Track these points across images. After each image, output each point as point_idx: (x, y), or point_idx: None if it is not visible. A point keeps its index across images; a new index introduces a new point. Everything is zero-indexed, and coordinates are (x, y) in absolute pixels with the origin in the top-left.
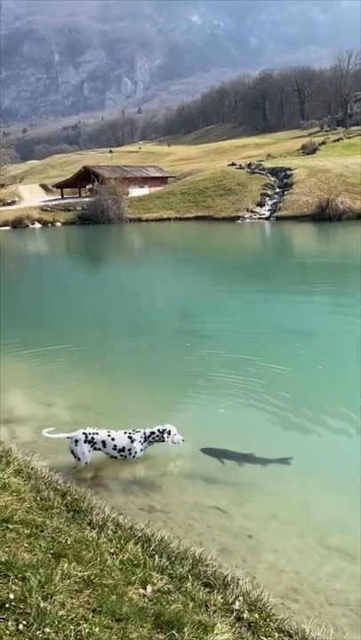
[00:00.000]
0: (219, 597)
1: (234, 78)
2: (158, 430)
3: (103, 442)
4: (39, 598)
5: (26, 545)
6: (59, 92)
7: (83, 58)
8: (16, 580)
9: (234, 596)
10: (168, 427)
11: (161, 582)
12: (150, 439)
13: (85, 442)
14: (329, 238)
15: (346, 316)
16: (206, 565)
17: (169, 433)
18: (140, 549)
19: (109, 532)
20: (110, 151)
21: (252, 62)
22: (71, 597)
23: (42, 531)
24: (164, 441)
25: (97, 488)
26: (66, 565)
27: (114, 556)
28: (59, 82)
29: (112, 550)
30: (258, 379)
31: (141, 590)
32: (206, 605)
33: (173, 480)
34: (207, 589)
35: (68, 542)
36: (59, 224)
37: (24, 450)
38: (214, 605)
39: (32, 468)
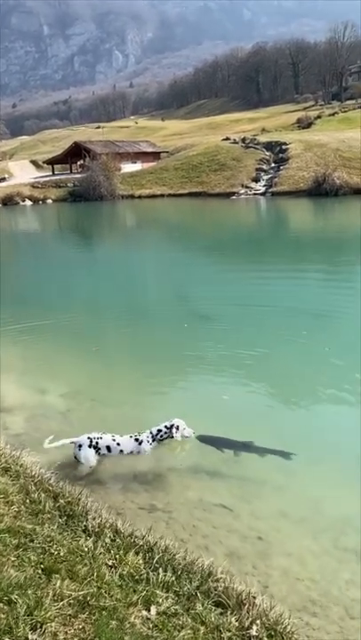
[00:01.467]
0: (233, 620)
1: (227, 51)
2: (165, 427)
3: (108, 447)
4: (27, 629)
5: (13, 559)
6: (48, 65)
7: (72, 30)
8: (1, 605)
9: (250, 619)
10: (175, 421)
11: (167, 602)
12: (158, 437)
13: (90, 447)
14: (327, 214)
15: (349, 295)
16: (217, 580)
17: (177, 428)
18: (141, 561)
19: (107, 540)
20: (98, 126)
21: (245, 35)
22: (64, 625)
23: (31, 540)
24: (173, 437)
25: (92, 486)
26: (58, 583)
27: (112, 570)
28: (48, 55)
29: (110, 562)
30: (261, 361)
31: (145, 612)
32: (219, 631)
33: (174, 475)
34: (219, 610)
35: (61, 554)
36: (50, 201)
37: (13, 443)
38: (228, 631)
39: (21, 466)
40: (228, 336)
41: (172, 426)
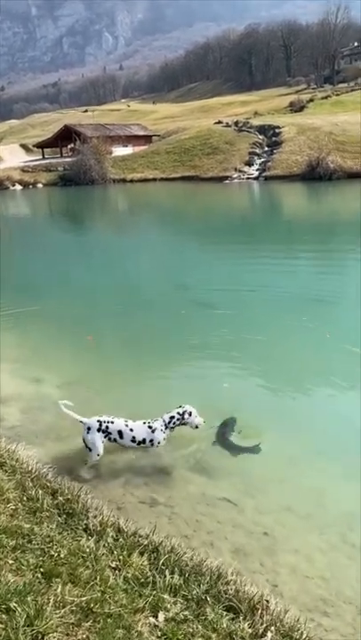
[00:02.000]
0: (246, 626)
1: (218, 33)
2: (178, 413)
3: (120, 432)
4: None
5: (11, 562)
6: (37, 47)
7: (61, 12)
8: None
9: (264, 625)
10: (188, 407)
11: (175, 607)
12: (171, 425)
13: (99, 430)
14: (321, 198)
15: (346, 279)
16: (227, 583)
17: (190, 414)
18: (146, 562)
19: (109, 539)
20: (86, 110)
21: (237, 16)
22: (67, 634)
23: (30, 541)
24: (185, 424)
25: (92, 481)
26: (60, 588)
27: (116, 572)
28: (37, 36)
29: (114, 564)
30: (261, 348)
31: (152, 619)
32: (232, 638)
33: (175, 469)
34: (231, 615)
35: (62, 556)
36: (40, 185)
37: (8, 436)
38: (242, 638)
39: (17, 460)
40: (226, 322)
41: (184, 412)
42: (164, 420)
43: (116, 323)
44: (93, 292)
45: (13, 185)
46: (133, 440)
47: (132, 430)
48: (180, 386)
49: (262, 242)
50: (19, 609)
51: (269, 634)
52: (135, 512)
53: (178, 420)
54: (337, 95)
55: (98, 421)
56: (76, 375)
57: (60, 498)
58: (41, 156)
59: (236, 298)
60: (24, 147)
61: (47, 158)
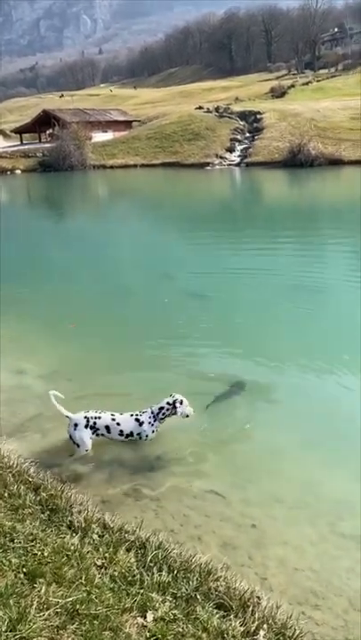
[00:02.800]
0: (237, 624)
1: (198, 17)
2: (168, 403)
3: (107, 427)
4: None
5: None
6: (13, 30)
7: None
8: None
9: (256, 622)
10: (178, 396)
11: (164, 607)
12: (161, 416)
13: (86, 427)
14: (302, 185)
15: (328, 265)
16: (217, 579)
17: (180, 403)
18: (133, 559)
19: (94, 536)
20: (62, 95)
21: (217, 0)
22: (52, 638)
23: (12, 540)
24: (176, 414)
25: (75, 475)
26: (43, 589)
27: (102, 571)
28: (13, 19)
29: (99, 562)
30: (247, 335)
31: (140, 619)
32: (223, 637)
33: (162, 461)
34: (222, 613)
35: (45, 554)
36: (18, 171)
37: None
38: (233, 637)
39: None
40: (210, 308)
41: (175, 401)
42: (152, 412)
43: (98, 310)
44: (74, 279)
45: None
46: (121, 434)
47: (119, 424)
48: (164, 374)
49: (244, 228)
50: (0, 613)
51: (262, 632)
52: (121, 507)
53: (167, 410)
54: (318, 81)
55: (85, 417)
56: (58, 365)
57: (43, 494)
58: (19, 142)
59: (219, 283)
60: (1, 132)
61: (25, 144)
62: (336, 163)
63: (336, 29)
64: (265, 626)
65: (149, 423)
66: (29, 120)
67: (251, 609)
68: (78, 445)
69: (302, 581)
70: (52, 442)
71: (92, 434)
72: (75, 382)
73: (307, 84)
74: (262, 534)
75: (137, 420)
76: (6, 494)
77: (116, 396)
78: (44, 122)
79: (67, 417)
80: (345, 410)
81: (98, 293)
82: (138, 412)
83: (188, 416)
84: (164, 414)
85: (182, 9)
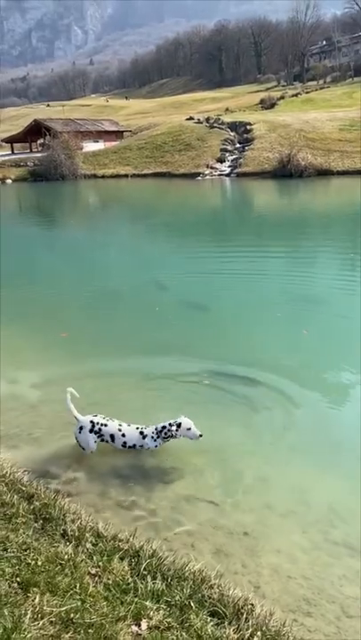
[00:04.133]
0: (231, 632)
1: (189, 29)
2: (170, 424)
3: (112, 435)
4: None
5: None
6: (4, 40)
7: (29, 4)
8: None
9: (250, 630)
10: (182, 420)
11: (158, 615)
12: (164, 435)
13: (91, 431)
14: (291, 195)
15: (316, 274)
16: (211, 587)
17: (179, 426)
18: (127, 568)
19: (88, 545)
20: (48, 104)
21: (207, 12)
22: None
23: (5, 549)
24: (175, 437)
25: (69, 484)
26: (37, 598)
27: (96, 579)
28: (4, 30)
29: (93, 571)
30: (238, 344)
31: (135, 628)
32: None
33: (154, 470)
34: (216, 620)
35: (39, 564)
36: (9, 181)
37: None
38: None
39: None
40: (200, 319)
41: (176, 424)
42: (156, 428)
43: (88, 319)
44: (66, 288)
45: None
46: (124, 445)
47: (124, 435)
48: (155, 382)
49: (234, 237)
50: None
51: (255, 639)
52: (114, 515)
53: (169, 430)
54: (307, 93)
55: (91, 422)
56: (50, 374)
57: (37, 503)
58: (10, 152)
59: (210, 291)
60: None
61: (16, 153)
62: (325, 173)
63: (324, 42)
64: (259, 633)
65: (152, 438)
66: (20, 130)
67: (245, 616)
68: (83, 448)
69: (295, 589)
70: (45, 451)
71: (97, 438)
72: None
73: (296, 95)
74: (255, 542)
75: (141, 433)
76: (0, 503)
77: (108, 404)
78: (35, 131)
79: (75, 418)
80: (337, 419)
81: (89, 302)
82: (143, 426)
83: (195, 438)
84: (166, 434)
85: (173, 20)
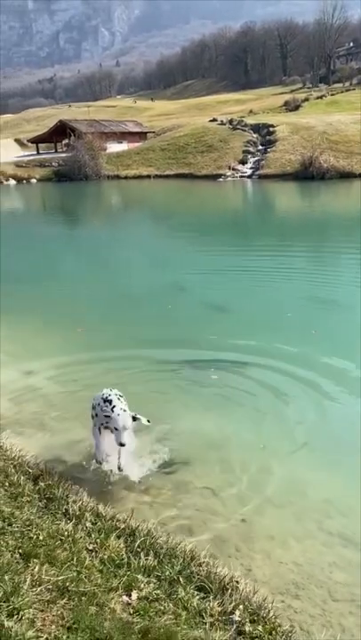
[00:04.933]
0: (216, 605)
1: (215, 31)
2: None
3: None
4: (3, 615)
5: None
6: (33, 42)
7: (58, 6)
8: None
9: (233, 604)
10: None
11: (148, 587)
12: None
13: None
14: (313, 197)
15: (336, 278)
16: (200, 564)
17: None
18: (122, 545)
19: (88, 523)
20: (70, 105)
21: (233, 14)
22: (42, 611)
23: (10, 524)
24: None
25: (73, 469)
26: (37, 568)
27: (93, 554)
28: (33, 31)
29: (91, 547)
30: (247, 342)
31: (125, 598)
32: (202, 616)
33: (157, 456)
34: (202, 594)
35: (40, 538)
36: (34, 180)
37: None
38: (211, 616)
39: (0, 448)
40: (213, 317)
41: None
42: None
43: (106, 316)
44: (84, 285)
45: (7, 180)
46: None
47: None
48: (168, 379)
49: (254, 240)
50: None
51: (238, 612)
52: (115, 498)
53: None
54: (332, 95)
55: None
56: (65, 367)
57: (42, 484)
58: (35, 152)
59: (224, 293)
60: (18, 141)
61: (42, 154)
62: (348, 176)
63: (351, 44)
64: (241, 606)
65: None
66: (46, 130)
67: (229, 592)
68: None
69: (285, 573)
70: (54, 438)
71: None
72: (80, 385)
73: (321, 97)
74: (251, 529)
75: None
76: (7, 483)
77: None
78: (61, 132)
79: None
80: (342, 416)
81: (105, 299)
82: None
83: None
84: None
85: (199, 22)
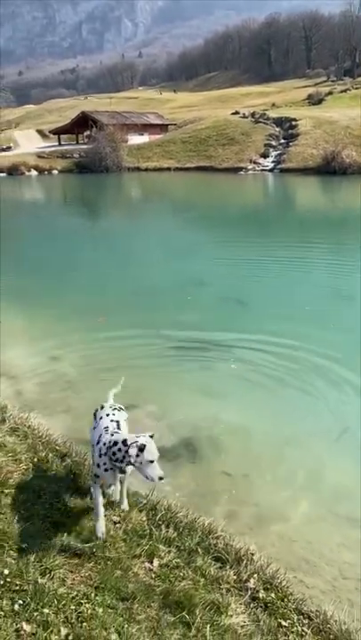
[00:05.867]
0: (231, 574)
1: (238, 22)
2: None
3: None
4: (37, 573)
5: (22, 512)
6: (56, 32)
7: None
8: (12, 552)
9: (248, 573)
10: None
11: (168, 556)
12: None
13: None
14: (334, 193)
15: (356, 273)
16: (217, 537)
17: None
18: (145, 518)
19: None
20: (86, 97)
21: (257, 5)
22: (72, 572)
23: (39, 497)
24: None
25: None
26: (65, 536)
27: (117, 526)
28: (56, 22)
29: (115, 519)
30: (266, 334)
31: (147, 564)
32: (218, 583)
33: (177, 440)
34: (218, 564)
35: (68, 509)
36: (55, 172)
37: (22, 407)
38: (227, 583)
39: (29, 427)
40: (232, 308)
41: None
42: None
43: (127, 306)
44: (106, 275)
45: (29, 170)
46: None
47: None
48: (189, 368)
49: (276, 233)
50: (29, 549)
51: (252, 580)
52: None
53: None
54: (356, 89)
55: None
56: (87, 355)
57: (69, 460)
58: (57, 143)
59: (242, 286)
60: (40, 132)
61: (63, 145)
62: None
63: None
64: (255, 576)
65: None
66: (68, 121)
67: (245, 563)
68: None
69: (297, 551)
70: (77, 419)
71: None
72: (102, 371)
73: (345, 91)
74: (265, 511)
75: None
76: (36, 459)
77: (143, 388)
78: (82, 123)
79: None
80: (349, 403)
81: (126, 290)
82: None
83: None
84: (114, 456)
85: (223, 13)
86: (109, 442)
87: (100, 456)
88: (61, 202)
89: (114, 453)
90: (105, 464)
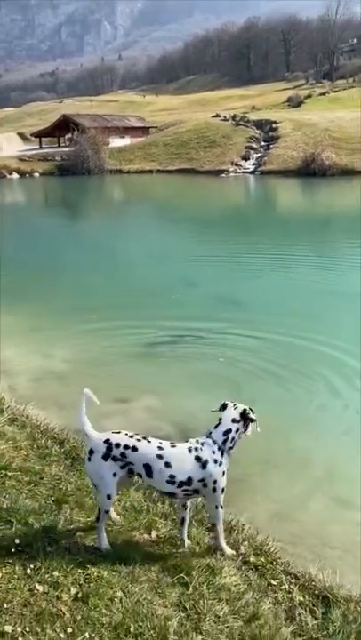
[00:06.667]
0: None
1: (218, 26)
2: (234, 420)
3: (148, 466)
4: (45, 543)
5: (26, 492)
6: (35, 35)
7: None
8: (20, 526)
9: (239, 540)
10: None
11: (165, 528)
12: (230, 444)
13: (107, 458)
14: (314, 194)
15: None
16: None
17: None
18: (142, 496)
19: None
20: (61, 101)
21: (237, 9)
22: (76, 542)
23: (41, 478)
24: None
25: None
26: (68, 512)
27: (116, 503)
28: (35, 24)
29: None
30: (250, 330)
31: (146, 536)
32: (213, 549)
33: (173, 424)
34: (212, 534)
35: (69, 489)
36: (37, 174)
37: (18, 400)
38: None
39: (27, 417)
40: (216, 306)
41: (245, 415)
42: (214, 441)
43: (115, 304)
44: (91, 275)
45: (10, 174)
46: (172, 480)
47: (168, 464)
48: (177, 363)
49: (256, 234)
50: (36, 523)
51: (243, 547)
52: None
53: (237, 430)
54: (335, 92)
55: (107, 442)
56: (77, 353)
57: (67, 446)
58: (38, 146)
59: (228, 284)
60: (21, 135)
61: (44, 148)
62: (349, 173)
63: (355, 40)
64: (246, 543)
65: (215, 461)
66: (49, 124)
67: (236, 532)
68: (95, 486)
69: (286, 526)
70: (71, 411)
71: (122, 470)
72: (93, 367)
73: (324, 94)
74: (259, 492)
75: (198, 457)
76: (35, 446)
77: (131, 384)
78: (64, 126)
79: (86, 435)
80: (345, 389)
81: (113, 289)
82: (195, 443)
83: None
84: (233, 441)
85: (202, 17)
86: None
87: None
88: (42, 204)
89: None
90: None
